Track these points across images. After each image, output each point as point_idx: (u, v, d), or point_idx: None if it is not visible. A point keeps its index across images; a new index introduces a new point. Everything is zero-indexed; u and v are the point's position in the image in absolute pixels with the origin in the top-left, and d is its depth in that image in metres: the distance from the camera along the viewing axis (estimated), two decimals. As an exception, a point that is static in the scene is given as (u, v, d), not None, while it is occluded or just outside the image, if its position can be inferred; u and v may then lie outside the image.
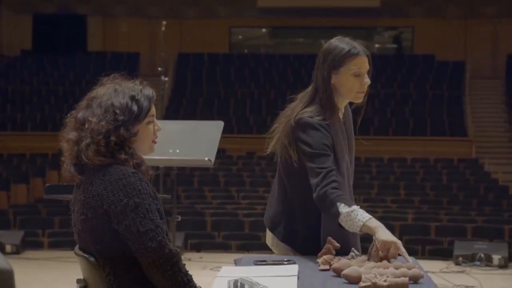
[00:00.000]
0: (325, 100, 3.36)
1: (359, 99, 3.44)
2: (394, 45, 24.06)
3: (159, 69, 10.07)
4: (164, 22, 11.03)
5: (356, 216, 3.14)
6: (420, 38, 22.36)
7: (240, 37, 24.53)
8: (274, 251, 3.57)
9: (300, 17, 22.24)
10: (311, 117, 3.34)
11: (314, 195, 3.24)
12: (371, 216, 3.15)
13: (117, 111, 2.79)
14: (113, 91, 2.84)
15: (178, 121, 8.60)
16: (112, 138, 2.77)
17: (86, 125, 2.79)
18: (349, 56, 3.35)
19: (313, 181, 3.26)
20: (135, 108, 2.82)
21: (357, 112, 3.57)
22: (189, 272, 2.77)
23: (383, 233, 3.08)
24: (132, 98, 2.83)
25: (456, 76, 20.52)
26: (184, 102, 20.02)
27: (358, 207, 3.17)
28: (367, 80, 3.39)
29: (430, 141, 18.03)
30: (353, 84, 3.38)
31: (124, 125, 2.79)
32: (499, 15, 21.65)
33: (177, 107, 19.48)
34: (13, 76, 21.14)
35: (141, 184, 2.74)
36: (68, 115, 2.90)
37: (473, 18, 21.91)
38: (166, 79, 10.00)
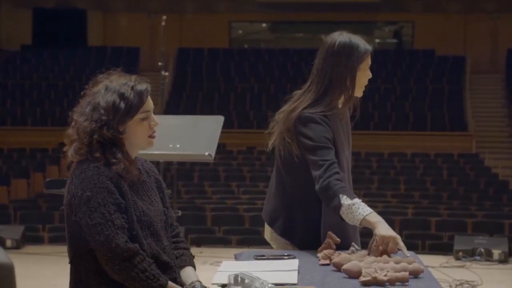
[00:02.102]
0: (348, 95, 3.40)
1: (361, 93, 3.49)
2: (394, 40, 24.01)
3: (159, 64, 10.05)
4: (164, 17, 11.01)
5: (357, 209, 3.15)
6: (420, 33, 22.32)
7: (240, 31, 24.50)
8: (273, 245, 3.57)
9: (300, 12, 22.21)
10: (313, 112, 3.34)
11: (317, 186, 3.24)
12: (372, 210, 3.16)
13: (102, 111, 2.82)
14: (103, 89, 2.86)
15: (178, 116, 8.60)
16: (95, 137, 2.80)
17: (73, 124, 2.85)
18: (368, 52, 3.41)
19: (316, 173, 3.26)
20: (122, 106, 2.83)
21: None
22: (151, 269, 2.75)
23: (382, 228, 3.08)
24: (121, 95, 2.84)
25: (456, 71, 20.50)
26: (184, 97, 20.00)
27: (360, 200, 3.17)
28: (370, 74, 3.46)
29: (430, 136, 18.02)
30: (365, 79, 3.45)
31: (108, 125, 2.81)
32: (499, 10, 21.63)
33: (177, 102, 19.46)
34: (13, 71, 21.13)
35: (98, 178, 2.77)
36: (73, 110, 2.95)
37: (473, 13, 21.88)
38: (166, 74, 9.97)
